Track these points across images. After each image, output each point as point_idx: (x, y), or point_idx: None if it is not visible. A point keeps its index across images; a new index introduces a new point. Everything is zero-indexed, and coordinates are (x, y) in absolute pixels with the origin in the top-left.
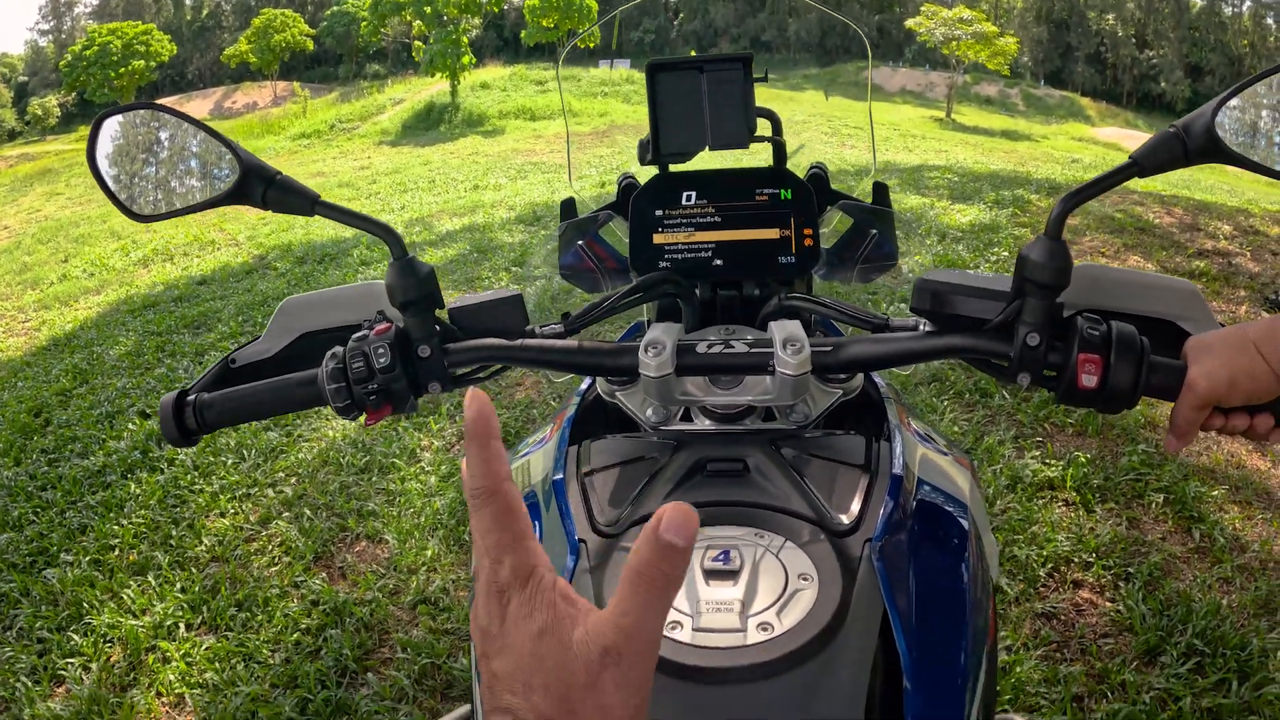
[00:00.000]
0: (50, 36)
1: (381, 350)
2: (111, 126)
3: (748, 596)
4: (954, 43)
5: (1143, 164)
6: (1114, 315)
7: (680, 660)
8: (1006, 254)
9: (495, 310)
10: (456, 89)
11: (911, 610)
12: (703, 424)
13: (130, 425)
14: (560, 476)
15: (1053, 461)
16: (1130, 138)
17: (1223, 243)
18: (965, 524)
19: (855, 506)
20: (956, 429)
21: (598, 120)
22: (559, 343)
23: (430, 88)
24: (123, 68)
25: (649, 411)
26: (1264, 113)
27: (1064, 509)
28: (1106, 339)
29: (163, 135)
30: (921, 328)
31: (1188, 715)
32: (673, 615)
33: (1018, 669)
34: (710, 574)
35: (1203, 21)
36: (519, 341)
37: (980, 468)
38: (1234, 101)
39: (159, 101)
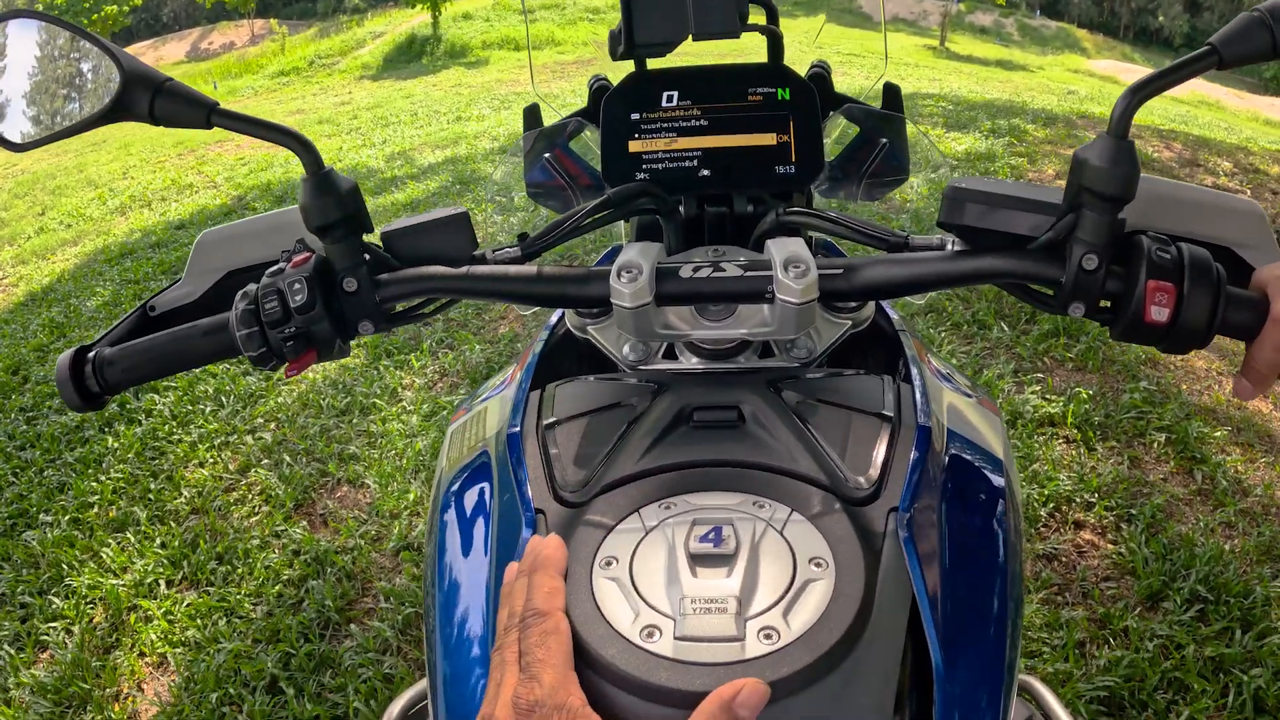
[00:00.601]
0: None
1: (298, 285)
2: None
3: (745, 591)
4: None
5: (1223, 53)
6: (1176, 239)
7: (658, 682)
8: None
9: (436, 233)
10: (438, 20)
11: (943, 594)
12: (689, 362)
13: None
14: (517, 429)
15: (1053, 397)
16: (1127, 70)
17: (1223, 179)
18: (1000, 482)
19: (876, 467)
20: (954, 362)
21: (582, 50)
22: (514, 269)
23: (411, 20)
24: (95, 14)
25: (626, 348)
26: None
27: (1065, 446)
28: (1179, 264)
29: (34, 47)
30: (950, 247)
31: (1190, 664)
32: (651, 617)
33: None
34: (697, 559)
35: None
36: (465, 269)
37: None
38: None
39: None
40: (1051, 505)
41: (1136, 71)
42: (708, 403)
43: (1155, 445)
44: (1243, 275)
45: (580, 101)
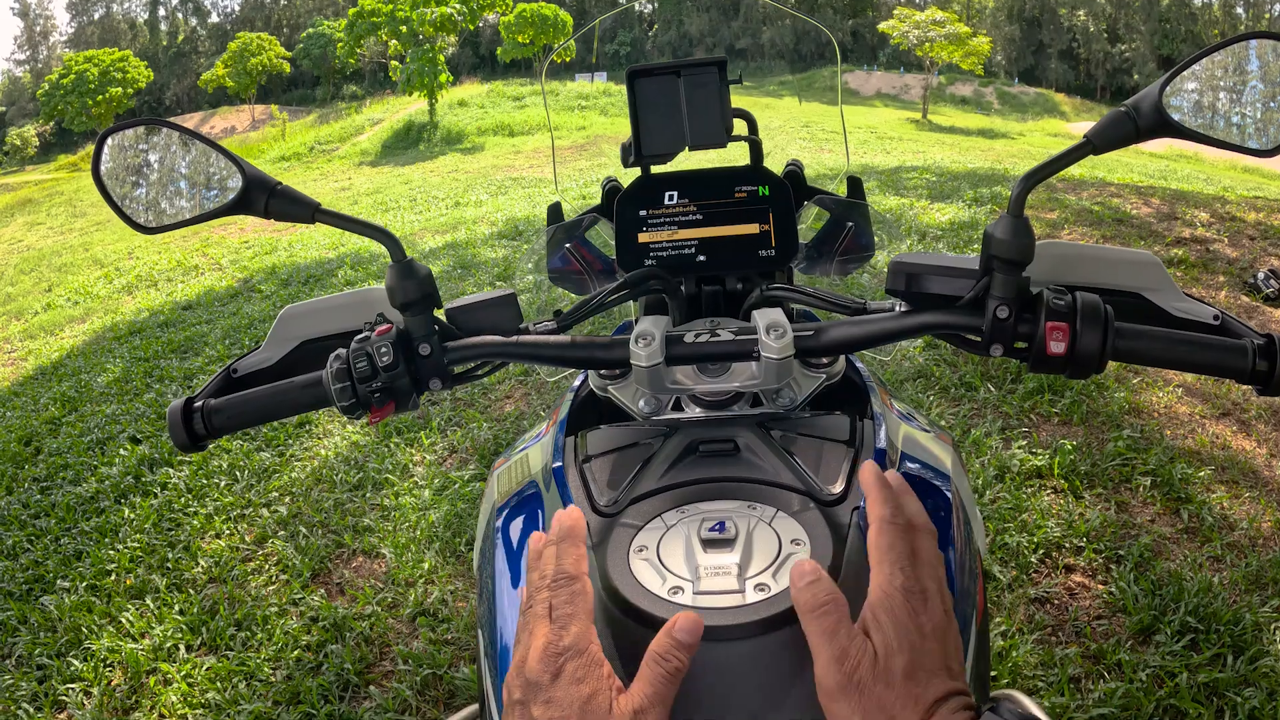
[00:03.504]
0: (26, 66)
1: (384, 349)
2: (116, 142)
3: (744, 561)
4: (927, 44)
5: (1096, 142)
6: (1081, 289)
7: None
8: None
9: (491, 309)
10: (434, 107)
11: None
12: (693, 412)
13: (122, 450)
14: (560, 464)
15: (1040, 450)
16: None
17: (1200, 230)
18: (949, 494)
19: (842, 478)
20: (944, 423)
21: (576, 134)
22: (552, 338)
23: (408, 107)
24: (100, 95)
25: (641, 403)
26: (1207, 87)
27: (1053, 496)
28: (1072, 307)
29: (166, 150)
30: (898, 308)
31: (1184, 691)
32: (674, 581)
33: (1014, 653)
34: (708, 543)
35: (1173, 13)
36: (514, 338)
37: (969, 460)
38: (1179, 78)
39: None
40: (1041, 551)
41: None
42: (710, 437)
43: (1141, 489)
44: (1155, 315)
45: (575, 187)
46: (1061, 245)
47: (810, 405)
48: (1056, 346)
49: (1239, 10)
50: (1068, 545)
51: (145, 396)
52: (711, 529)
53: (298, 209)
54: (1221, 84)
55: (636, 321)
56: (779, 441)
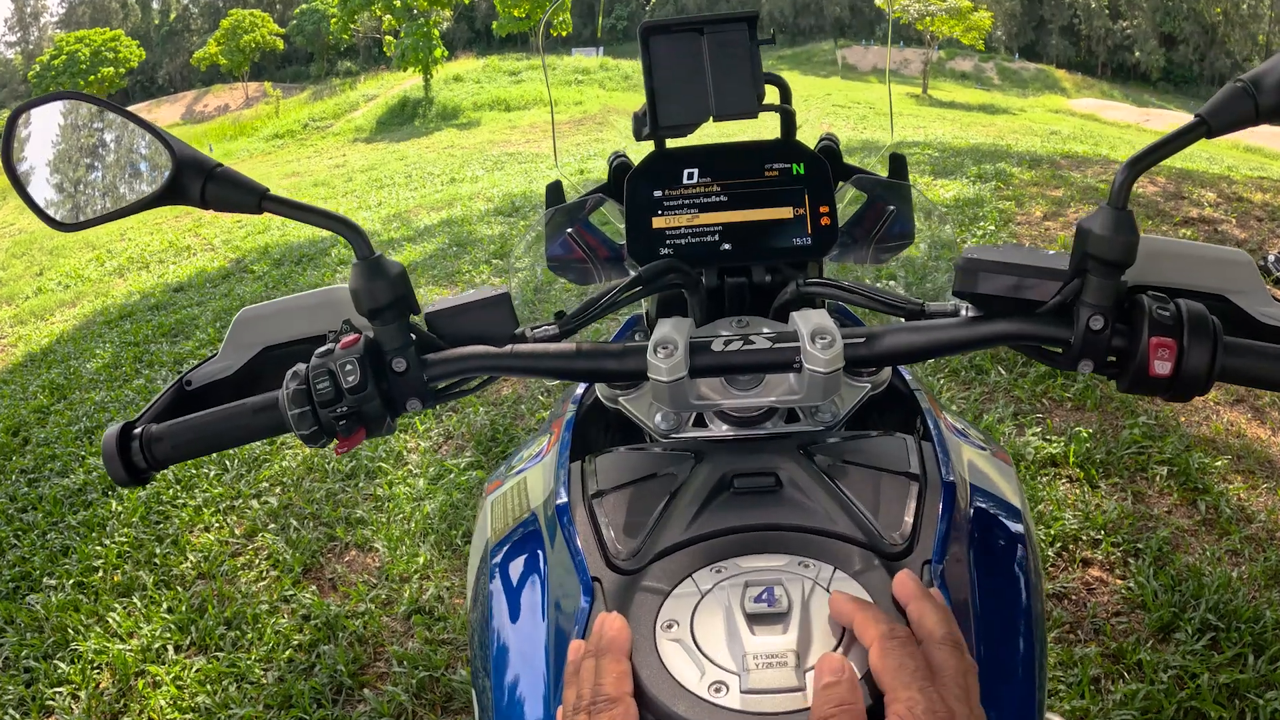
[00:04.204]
0: (18, 48)
1: (350, 366)
2: (31, 122)
3: (802, 645)
4: (927, 19)
5: (1211, 123)
6: (1166, 290)
7: None
8: (993, 227)
9: (479, 313)
10: (430, 83)
11: (977, 632)
12: (719, 429)
13: None
14: (565, 500)
15: (1054, 438)
16: (1107, 108)
17: (1208, 210)
18: (1020, 529)
19: (908, 523)
20: (955, 408)
21: (574, 109)
22: (554, 347)
23: (403, 82)
24: (92, 75)
25: (658, 418)
26: None
27: (1068, 485)
28: (1178, 320)
29: (87, 129)
30: (965, 312)
31: (1206, 692)
32: (716, 674)
33: None
34: (754, 619)
35: None
36: (508, 348)
37: None
38: None
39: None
40: (1059, 544)
41: (1116, 108)
42: (746, 469)
43: (1158, 479)
44: (1240, 321)
45: (573, 161)
46: (1153, 241)
47: (852, 419)
48: (1161, 366)
49: None
50: (1085, 538)
51: (135, 383)
52: (758, 599)
53: (241, 196)
54: None
55: (647, 316)
56: (827, 471)
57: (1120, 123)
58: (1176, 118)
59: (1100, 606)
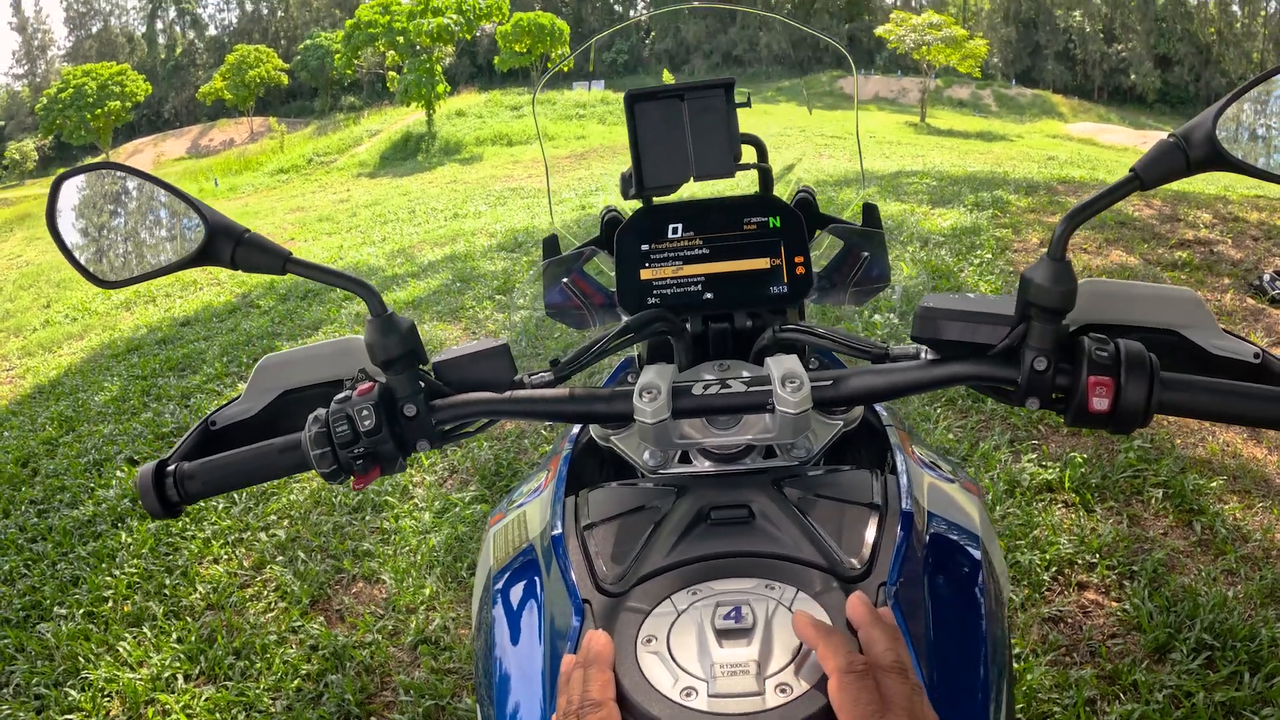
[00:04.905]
0: (25, 80)
1: (365, 412)
2: (72, 188)
3: (763, 656)
4: (924, 48)
5: (1144, 177)
6: (1117, 328)
7: None
8: (989, 255)
9: (481, 362)
10: (432, 118)
11: (931, 651)
12: (702, 465)
13: (119, 473)
14: (559, 531)
15: (1049, 464)
16: (1103, 131)
17: (1203, 231)
18: (977, 554)
19: (866, 548)
20: (951, 435)
21: (575, 144)
22: (549, 392)
23: (406, 117)
24: (99, 109)
25: (646, 455)
26: (1264, 117)
27: (1064, 510)
28: (1116, 359)
29: (125, 195)
30: (924, 355)
31: (1201, 712)
32: (687, 681)
33: (1028, 676)
34: (722, 634)
35: (1169, 12)
36: (508, 394)
37: (978, 474)
38: (1233, 108)
39: (122, 161)
40: (1054, 569)
41: (1113, 131)
42: (721, 502)
43: (1153, 501)
44: (1192, 354)
45: (573, 196)
46: (1099, 284)
47: (827, 454)
48: (1099, 403)
49: (1235, 8)
50: (1080, 562)
51: (143, 416)
52: (726, 616)
53: (267, 259)
54: None
55: (639, 359)
56: (796, 503)
57: (1117, 146)
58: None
59: (1096, 629)
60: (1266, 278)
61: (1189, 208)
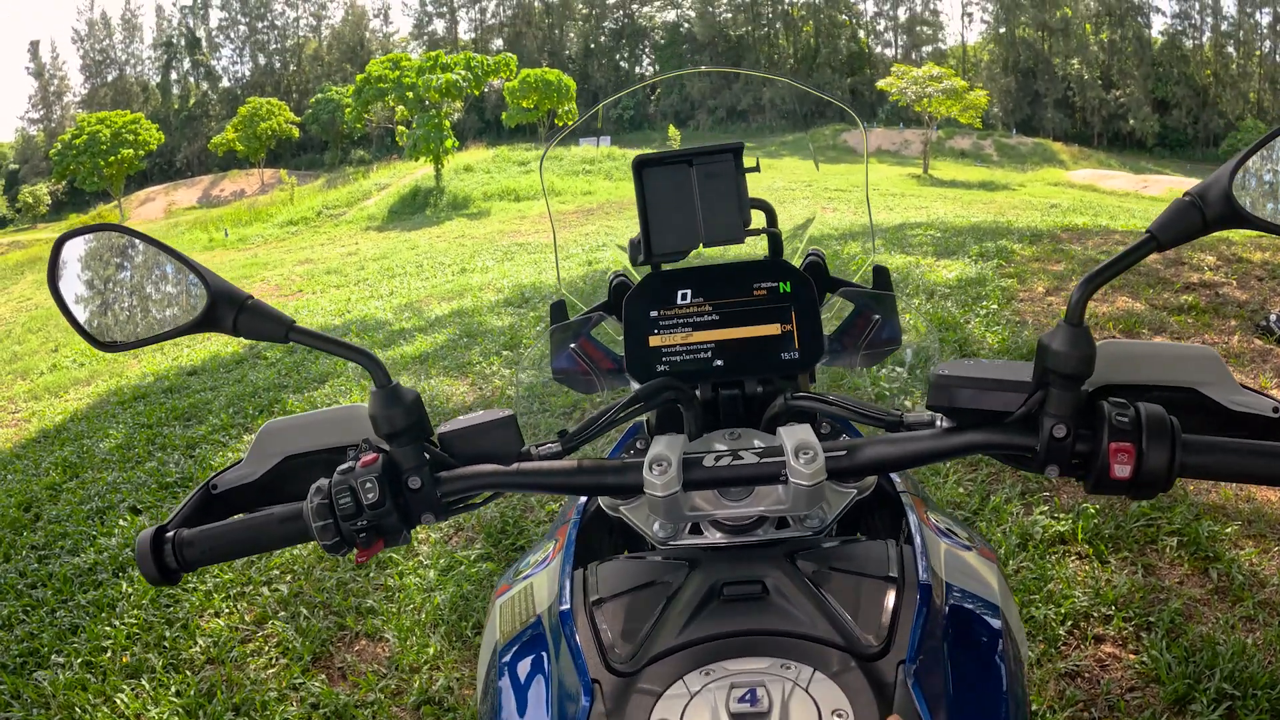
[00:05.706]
0: (40, 125)
1: (369, 484)
2: (74, 249)
3: None
4: (925, 100)
5: (1160, 237)
6: (1134, 388)
7: None
8: (995, 306)
9: (488, 434)
10: (441, 172)
11: None
12: (713, 536)
13: (121, 521)
14: (567, 606)
15: (1062, 515)
16: (1104, 177)
17: (1208, 274)
18: (997, 624)
19: (884, 625)
20: (961, 489)
21: (582, 199)
22: (557, 464)
23: (415, 172)
24: (112, 156)
25: (656, 526)
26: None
27: (1078, 563)
28: (1137, 424)
29: (127, 258)
30: (940, 423)
31: None
32: None
33: None
34: (738, 718)
35: (1165, 56)
36: (515, 466)
37: (989, 528)
38: (1249, 164)
39: (126, 224)
40: (1070, 623)
41: (1114, 177)
42: (734, 578)
43: (1168, 550)
44: (1212, 411)
45: (580, 252)
46: (1116, 345)
47: (841, 522)
48: (1121, 470)
49: (1230, 49)
50: (1096, 614)
51: (147, 465)
52: (741, 699)
53: (270, 326)
54: None
55: (647, 425)
56: (811, 578)
57: (1118, 191)
58: (1173, 182)
59: (1114, 683)
60: (1273, 318)
61: (1192, 250)
